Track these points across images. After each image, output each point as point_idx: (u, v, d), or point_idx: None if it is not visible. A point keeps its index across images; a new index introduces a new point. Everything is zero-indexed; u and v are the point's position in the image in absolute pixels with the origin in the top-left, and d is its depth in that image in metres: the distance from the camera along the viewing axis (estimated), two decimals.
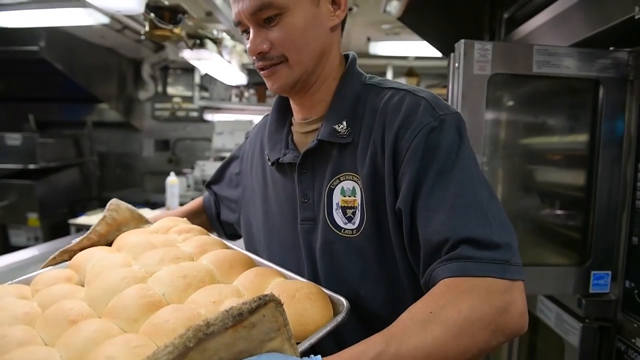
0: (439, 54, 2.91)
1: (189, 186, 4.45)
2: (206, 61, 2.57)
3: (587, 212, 1.52)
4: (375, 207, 0.85)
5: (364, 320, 0.88)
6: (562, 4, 1.58)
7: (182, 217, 1.18)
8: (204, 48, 2.26)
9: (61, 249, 0.97)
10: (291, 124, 1.01)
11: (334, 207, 0.89)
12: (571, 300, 1.54)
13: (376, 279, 0.87)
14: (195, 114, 5.43)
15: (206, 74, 5.09)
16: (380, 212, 0.85)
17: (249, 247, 1.09)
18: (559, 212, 1.67)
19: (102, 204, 4.60)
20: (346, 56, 0.98)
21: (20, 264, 1.91)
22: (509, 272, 0.72)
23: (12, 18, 3.41)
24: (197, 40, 2.20)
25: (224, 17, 2.17)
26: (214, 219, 1.27)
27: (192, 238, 0.95)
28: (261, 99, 5.41)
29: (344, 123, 0.88)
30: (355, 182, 0.87)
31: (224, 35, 2.50)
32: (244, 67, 3.36)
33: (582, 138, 1.55)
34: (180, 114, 5.44)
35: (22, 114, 5.00)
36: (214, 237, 0.98)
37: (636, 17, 1.19)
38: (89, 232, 1.00)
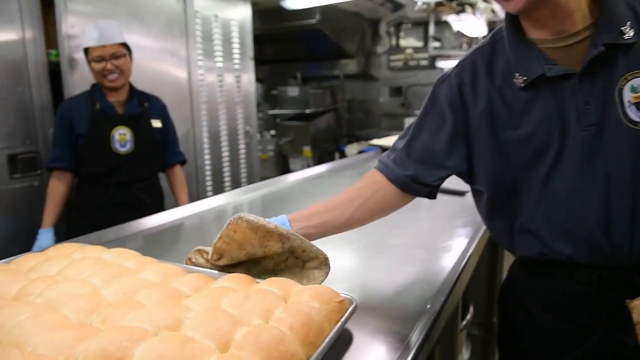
0: None
1: None
2: (464, 22, 3.34)
3: None
4: None
5: None
6: None
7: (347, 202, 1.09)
8: (464, 12, 3.00)
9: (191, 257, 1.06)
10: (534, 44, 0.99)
11: (626, 105, 0.92)
12: None
13: None
14: (425, 62, 6.06)
15: (438, 26, 5.79)
16: None
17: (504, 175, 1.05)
18: None
19: (352, 140, 5.79)
20: None
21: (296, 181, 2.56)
22: None
23: (300, 2, 4.60)
24: (461, 7, 2.95)
25: None
26: (405, 180, 1.11)
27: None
28: None
29: (628, 24, 0.92)
30: None
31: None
32: (489, 22, 4.01)
33: None
34: (412, 63, 6.13)
35: (287, 72, 6.53)
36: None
37: None
38: (212, 249, 1.00)
